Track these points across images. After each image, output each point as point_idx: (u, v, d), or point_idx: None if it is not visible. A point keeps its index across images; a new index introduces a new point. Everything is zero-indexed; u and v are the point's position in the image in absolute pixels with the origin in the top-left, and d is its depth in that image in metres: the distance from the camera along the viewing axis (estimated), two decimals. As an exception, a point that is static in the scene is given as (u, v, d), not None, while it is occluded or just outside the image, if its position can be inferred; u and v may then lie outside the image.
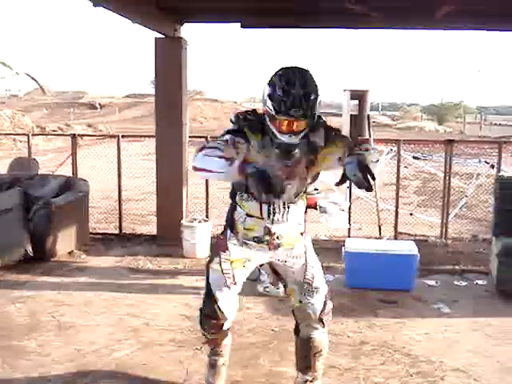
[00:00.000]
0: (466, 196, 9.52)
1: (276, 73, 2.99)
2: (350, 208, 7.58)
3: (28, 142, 8.55)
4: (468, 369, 4.11)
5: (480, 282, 6.09)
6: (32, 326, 4.81)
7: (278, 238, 3.27)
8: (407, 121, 45.65)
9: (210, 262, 3.42)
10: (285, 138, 2.99)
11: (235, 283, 3.34)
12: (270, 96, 2.95)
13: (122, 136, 8.13)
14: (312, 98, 2.91)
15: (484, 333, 4.78)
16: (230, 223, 3.36)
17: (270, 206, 3.19)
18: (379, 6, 6.64)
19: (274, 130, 3.00)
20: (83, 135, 10.00)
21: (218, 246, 3.42)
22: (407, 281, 5.75)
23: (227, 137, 3.05)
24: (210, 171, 2.98)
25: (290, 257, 3.38)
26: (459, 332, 4.79)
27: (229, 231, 3.37)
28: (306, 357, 3.48)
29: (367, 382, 3.92)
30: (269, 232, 3.25)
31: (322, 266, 3.55)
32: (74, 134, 8.41)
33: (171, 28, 7.28)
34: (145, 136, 10.31)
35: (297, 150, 3.06)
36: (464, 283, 6.07)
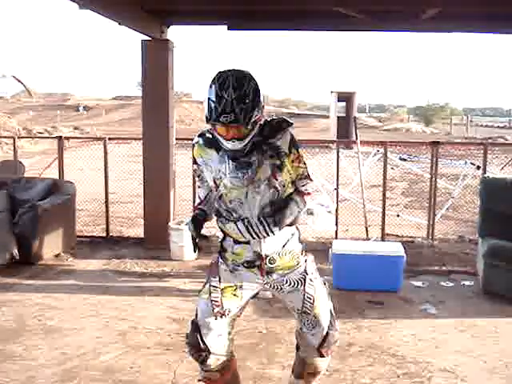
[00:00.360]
0: (453, 197, 9.57)
1: (213, 77, 2.83)
2: (336, 210, 7.61)
3: (14, 144, 8.51)
4: (455, 369, 4.13)
5: (467, 282, 6.13)
6: (18, 330, 4.78)
7: (270, 261, 3.00)
8: (394, 122, 45.82)
9: (203, 287, 3.15)
10: (229, 145, 2.83)
11: (223, 313, 3.03)
12: (207, 103, 2.80)
13: (109, 138, 8.10)
14: (247, 101, 2.74)
15: (471, 333, 4.80)
16: (220, 248, 3.14)
17: (245, 224, 2.94)
18: (365, 8, 6.67)
19: (219, 137, 2.85)
20: (70, 137, 9.96)
21: (209, 271, 3.17)
22: (394, 282, 5.78)
23: (194, 167, 3.10)
24: None
25: (287, 283, 3.07)
26: (446, 333, 4.82)
27: (219, 257, 3.14)
28: (300, 372, 3.33)
29: (354, 383, 3.93)
30: (259, 256, 2.99)
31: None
32: (61, 137, 8.38)
33: (158, 30, 7.26)
34: (132, 138, 10.28)
35: (254, 158, 2.87)
36: (451, 284, 6.10)
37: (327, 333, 3.13)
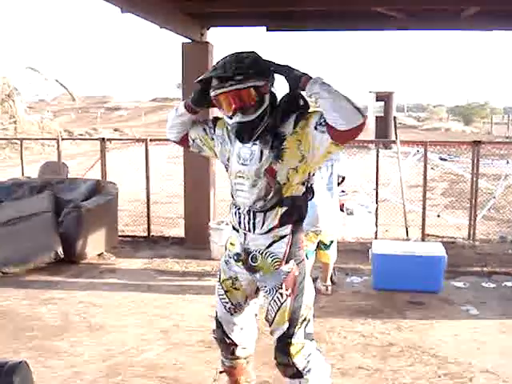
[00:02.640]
0: (494, 197, 9.45)
1: None
2: (376, 210, 7.59)
3: (58, 146, 8.70)
4: (496, 370, 4.09)
5: (508, 283, 6.05)
6: (63, 327, 4.91)
7: (252, 259, 2.87)
8: (433, 122, 45.27)
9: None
10: (237, 118, 2.71)
11: (236, 308, 3.04)
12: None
13: (150, 140, 8.23)
14: (245, 62, 2.68)
15: (513, 334, 4.76)
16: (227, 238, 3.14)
17: (237, 211, 2.91)
18: (404, 8, 6.65)
19: (226, 118, 2.79)
20: (112, 139, 10.11)
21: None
22: (435, 282, 5.74)
23: (208, 126, 3.08)
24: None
25: (264, 287, 2.92)
26: (487, 334, 4.77)
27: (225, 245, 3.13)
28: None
29: (395, 382, 3.92)
30: (244, 250, 2.90)
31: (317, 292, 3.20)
32: (103, 138, 8.54)
33: (198, 32, 7.35)
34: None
35: (255, 148, 2.77)
36: (492, 285, 6.03)
37: (287, 343, 2.86)
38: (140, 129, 32.79)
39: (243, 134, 2.75)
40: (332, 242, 5.51)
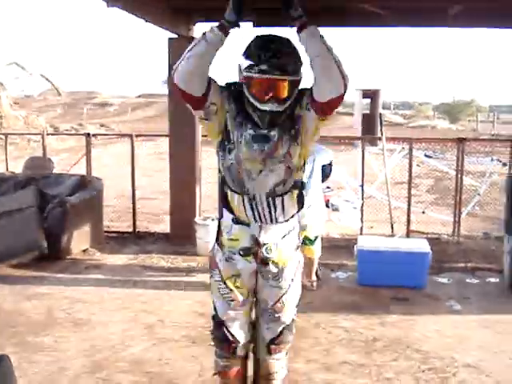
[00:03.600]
0: (479, 194, 9.51)
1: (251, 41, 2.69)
2: (362, 206, 7.63)
3: (43, 141, 8.65)
4: (479, 365, 4.13)
5: (492, 279, 6.11)
6: (48, 323, 4.89)
7: (267, 250, 2.84)
8: (419, 119, 45.42)
9: (210, 277, 3.06)
10: (267, 107, 2.62)
11: (239, 304, 2.97)
12: (245, 56, 2.63)
13: (136, 135, 8.20)
14: (294, 49, 2.64)
15: (495, 330, 4.80)
16: (217, 233, 3.00)
17: (251, 202, 2.78)
18: (391, 5, 6.67)
19: (253, 100, 2.63)
20: (97, 134, 10.08)
21: (210, 263, 3.08)
22: (419, 278, 5.78)
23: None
24: (190, 50, 2.66)
25: (274, 278, 2.92)
26: (470, 329, 4.82)
27: (216, 244, 3.01)
28: (256, 377, 3.20)
29: (379, 377, 3.96)
30: (256, 242, 2.83)
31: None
32: (89, 134, 8.50)
33: (184, 27, 7.33)
34: (158, 135, 10.38)
35: (274, 133, 2.69)
36: (476, 281, 6.09)
37: (282, 331, 3.02)
38: (126, 125, 32.68)
39: (269, 121, 2.68)
40: (317, 237, 5.53)
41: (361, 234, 7.48)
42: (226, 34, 2.65)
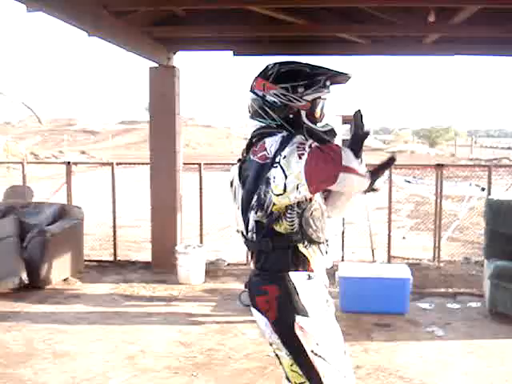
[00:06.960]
0: (458, 219, 9.60)
1: (279, 69, 2.43)
2: (343, 233, 7.65)
3: (22, 169, 8.59)
4: (462, 391, 4.14)
5: (473, 304, 6.14)
6: (28, 354, 4.81)
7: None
8: (398, 144, 45.87)
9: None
10: (331, 126, 2.54)
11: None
12: (302, 78, 2.40)
13: (117, 163, 8.18)
14: None
15: (477, 355, 4.81)
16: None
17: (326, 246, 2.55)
18: (368, 34, 6.81)
19: (313, 125, 2.48)
20: (78, 163, 10.03)
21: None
22: (401, 304, 5.79)
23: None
24: (356, 172, 2.36)
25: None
26: (453, 354, 4.82)
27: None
28: None
29: (362, 405, 3.94)
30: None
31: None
32: (69, 162, 8.47)
33: (164, 57, 7.39)
34: (139, 163, 10.36)
35: None
36: (457, 306, 6.11)
37: None
38: (108, 151, 32.60)
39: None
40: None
41: (342, 260, 7.50)
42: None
